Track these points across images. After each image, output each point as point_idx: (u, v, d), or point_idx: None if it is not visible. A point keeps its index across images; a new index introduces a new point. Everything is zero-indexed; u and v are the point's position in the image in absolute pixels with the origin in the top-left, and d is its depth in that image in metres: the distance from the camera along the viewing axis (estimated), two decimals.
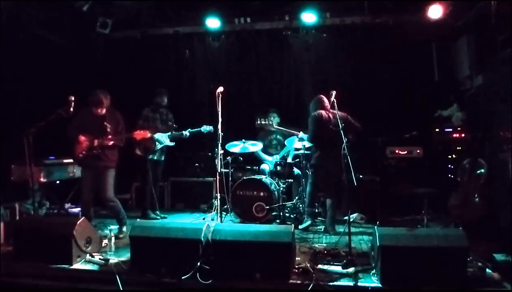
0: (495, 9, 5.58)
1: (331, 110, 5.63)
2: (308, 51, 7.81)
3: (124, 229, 5.47)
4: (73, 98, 5.05)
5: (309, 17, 7.43)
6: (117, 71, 8.00)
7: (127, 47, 8.16)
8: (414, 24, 6.96)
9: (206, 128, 6.51)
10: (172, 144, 6.65)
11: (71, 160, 6.56)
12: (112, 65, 8.05)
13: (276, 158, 6.79)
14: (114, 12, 7.31)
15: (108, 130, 5.40)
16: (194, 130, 6.58)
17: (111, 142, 5.37)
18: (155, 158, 6.56)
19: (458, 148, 6.56)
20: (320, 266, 4.19)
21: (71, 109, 5.06)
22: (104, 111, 5.40)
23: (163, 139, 6.53)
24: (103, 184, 5.37)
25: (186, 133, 6.56)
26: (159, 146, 6.51)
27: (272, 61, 8.02)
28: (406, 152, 6.64)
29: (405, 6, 7.03)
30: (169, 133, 6.58)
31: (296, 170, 6.61)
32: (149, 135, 5.90)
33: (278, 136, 7.07)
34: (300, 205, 6.35)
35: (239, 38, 8.02)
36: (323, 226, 5.78)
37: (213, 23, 7.71)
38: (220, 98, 5.45)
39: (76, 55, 7.86)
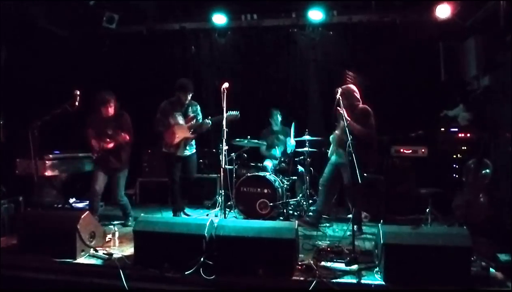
0: (503, 9, 5.55)
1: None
2: (314, 49, 7.78)
3: (131, 219, 5.82)
4: (78, 92, 5.05)
5: (316, 15, 7.38)
6: (123, 66, 8.02)
7: (133, 42, 8.16)
8: (421, 23, 6.93)
9: (231, 113, 5.80)
10: (192, 136, 6.18)
11: (76, 155, 6.61)
12: (118, 60, 8.06)
13: (278, 154, 6.73)
14: (120, 7, 7.32)
15: (109, 132, 5.62)
16: (215, 117, 5.92)
17: (111, 145, 5.61)
18: (177, 153, 6.10)
19: (463, 148, 6.51)
20: (323, 263, 4.19)
21: (77, 103, 5.06)
22: (111, 111, 5.60)
23: (183, 131, 6.12)
24: (113, 186, 5.70)
25: (207, 121, 6.00)
26: (177, 139, 6.07)
27: (278, 58, 7.99)
28: (411, 151, 6.60)
29: (413, 5, 6.98)
30: (189, 125, 6.13)
31: (300, 168, 6.60)
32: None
33: (279, 135, 7.06)
34: (304, 203, 6.34)
35: (245, 34, 8.00)
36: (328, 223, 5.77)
37: (219, 19, 7.68)
38: (225, 94, 5.43)
39: (82, 49, 7.88)
